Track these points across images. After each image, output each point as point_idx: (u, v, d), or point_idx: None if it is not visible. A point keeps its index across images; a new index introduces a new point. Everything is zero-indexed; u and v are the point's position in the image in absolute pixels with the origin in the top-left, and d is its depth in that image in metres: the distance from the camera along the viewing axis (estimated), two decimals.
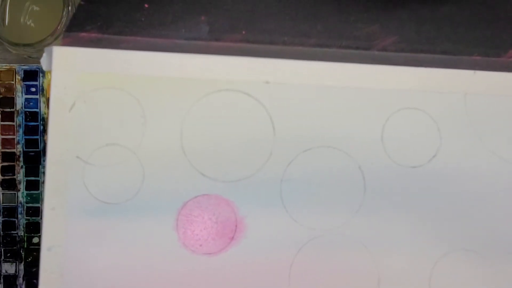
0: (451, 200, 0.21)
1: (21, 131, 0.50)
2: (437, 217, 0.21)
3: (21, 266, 0.50)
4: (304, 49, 0.21)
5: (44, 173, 0.47)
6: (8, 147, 0.50)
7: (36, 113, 0.50)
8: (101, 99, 0.20)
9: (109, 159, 0.20)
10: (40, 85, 0.50)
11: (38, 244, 0.50)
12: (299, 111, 0.20)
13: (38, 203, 0.50)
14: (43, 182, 0.50)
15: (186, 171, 0.20)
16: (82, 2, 0.24)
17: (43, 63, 0.21)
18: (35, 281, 0.50)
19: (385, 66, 0.20)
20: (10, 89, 0.50)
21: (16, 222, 0.50)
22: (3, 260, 0.50)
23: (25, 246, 0.50)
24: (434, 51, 0.22)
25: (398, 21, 0.23)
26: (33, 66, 0.50)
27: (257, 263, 0.20)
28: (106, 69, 0.20)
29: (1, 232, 0.50)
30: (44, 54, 0.21)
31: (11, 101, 0.50)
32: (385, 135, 0.21)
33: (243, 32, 0.22)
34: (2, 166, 0.50)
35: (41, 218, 0.50)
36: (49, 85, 0.51)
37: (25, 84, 0.50)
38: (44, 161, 0.50)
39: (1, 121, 0.50)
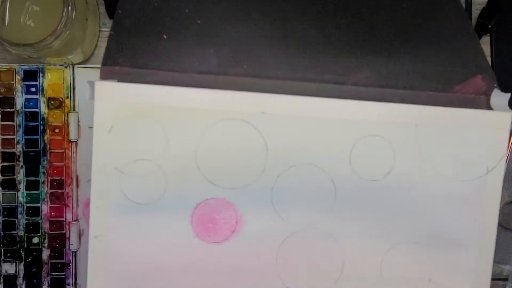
0: (400, 206, 0.27)
1: (21, 131, 0.50)
2: (389, 218, 0.27)
3: (21, 266, 0.50)
4: (293, 83, 0.27)
5: (44, 173, 0.47)
6: (8, 147, 0.50)
7: (36, 113, 0.50)
8: (133, 124, 0.26)
9: (140, 170, 0.27)
10: (40, 85, 0.50)
11: (38, 244, 0.50)
12: (286, 136, 0.26)
13: (38, 203, 0.50)
14: (43, 182, 0.51)
15: (199, 181, 0.26)
16: (112, 33, 0.28)
17: (87, 93, 0.26)
18: (35, 281, 0.50)
19: (355, 101, 0.26)
20: (10, 89, 0.50)
21: (16, 222, 0.50)
22: (3, 260, 0.50)
23: (25, 246, 0.50)
24: (396, 86, 0.27)
25: (371, 56, 0.28)
26: (33, 66, 0.50)
27: (252, 249, 0.27)
28: (136, 100, 0.25)
29: (1, 232, 0.50)
30: (88, 86, 0.26)
31: (11, 101, 0.50)
32: (352, 156, 0.27)
33: (244, 66, 0.27)
34: (2, 166, 0.50)
35: (40, 217, 0.50)
36: (49, 85, 0.51)
37: (25, 84, 0.50)
38: (44, 161, 0.50)
39: (1, 121, 0.50)
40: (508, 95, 0.28)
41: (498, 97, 0.28)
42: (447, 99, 0.27)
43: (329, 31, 0.28)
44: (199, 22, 0.28)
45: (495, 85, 0.29)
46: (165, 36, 0.28)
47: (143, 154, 0.26)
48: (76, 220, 0.50)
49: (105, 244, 0.27)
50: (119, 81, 0.26)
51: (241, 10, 0.28)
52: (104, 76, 0.26)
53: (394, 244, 0.28)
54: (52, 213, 0.50)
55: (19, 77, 0.50)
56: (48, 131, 0.50)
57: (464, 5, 0.52)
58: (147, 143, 0.26)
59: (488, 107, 0.28)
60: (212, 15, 0.28)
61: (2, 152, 0.50)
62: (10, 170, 0.50)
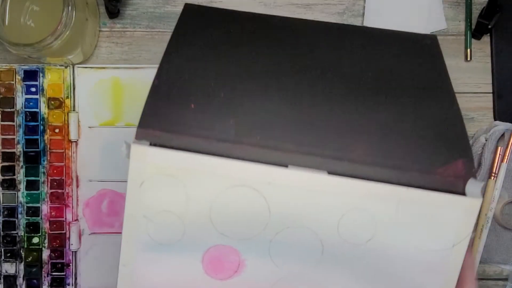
0: (377, 268, 0.33)
1: (21, 131, 0.50)
2: (367, 277, 0.33)
3: (21, 266, 0.50)
4: (298, 156, 0.32)
5: (44, 173, 0.47)
6: (8, 147, 0.50)
7: (36, 113, 0.50)
8: (160, 181, 0.31)
9: (163, 219, 0.32)
10: (40, 85, 0.50)
11: (38, 244, 0.50)
12: (287, 203, 0.32)
13: (38, 203, 0.50)
14: (43, 182, 0.51)
15: (211, 231, 0.32)
16: (148, 99, 0.33)
17: (123, 152, 0.32)
18: (35, 281, 0.50)
19: (347, 179, 0.31)
20: (10, 89, 0.50)
21: (16, 222, 0.50)
22: (3, 260, 0.50)
23: (25, 246, 0.50)
24: (386, 165, 0.32)
25: (368, 136, 0.33)
26: (33, 66, 0.50)
27: (249, 285, 0.33)
28: (164, 162, 0.31)
29: (1, 232, 0.50)
30: (125, 145, 0.31)
31: (11, 101, 0.50)
32: (340, 223, 0.32)
33: (258, 137, 0.32)
34: (2, 166, 0.50)
35: (40, 217, 0.50)
36: (49, 85, 0.51)
37: (25, 84, 0.50)
38: (44, 161, 0.50)
39: (1, 121, 0.50)
40: (482, 183, 0.32)
41: (473, 185, 0.32)
42: (429, 180, 0.32)
43: (334, 112, 0.34)
44: (222, 95, 0.34)
45: (473, 170, 0.33)
46: (192, 106, 0.33)
47: (167, 206, 0.32)
48: (76, 220, 0.50)
49: (131, 272, 0.33)
50: (150, 143, 0.32)
51: (259, 87, 0.35)
52: (138, 137, 0.32)
53: None
54: (52, 213, 0.50)
55: (19, 77, 0.50)
56: (48, 131, 0.50)
57: (464, 6, 0.52)
58: (171, 198, 0.32)
59: (463, 191, 0.32)
60: (234, 89, 0.34)
61: (2, 152, 0.50)
62: (10, 170, 0.50)
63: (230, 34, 0.38)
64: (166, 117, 0.32)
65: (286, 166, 0.32)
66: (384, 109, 0.35)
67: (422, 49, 0.40)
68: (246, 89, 0.35)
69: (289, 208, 0.32)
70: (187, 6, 0.41)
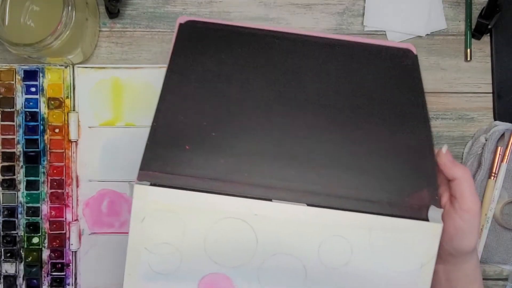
0: (354, 286, 0.36)
1: (21, 131, 0.50)
2: None
3: (21, 266, 0.50)
4: (281, 191, 0.37)
5: (44, 173, 0.47)
6: (8, 147, 0.50)
7: (36, 113, 0.50)
8: (159, 216, 0.35)
9: (162, 250, 0.35)
10: (40, 85, 0.50)
11: (38, 244, 0.50)
12: (272, 232, 0.36)
13: (38, 203, 0.50)
14: (43, 182, 0.51)
15: (205, 260, 0.36)
16: (148, 143, 0.37)
17: (127, 191, 0.36)
18: (35, 281, 0.50)
19: (325, 210, 0.36)
20: (10, 89, 0.50)
21: (16, 222, 0.50)
22: (3, 260, 0.50)
23: (25, 246, 0.50)
24: (360, 197, 0.37)
25: (345, 173, 0.38)
26: (33, 66, 0.50)
27: None
28: (163, 200, 0.35)
29: (1, 232, 0.50)
30: (128, 186, 0.36)
31: (11, 101, 0.50)
32: (320, 249, 0.36)
33: (245, 175, 0.37)
34: (2, 166, 0.50)
35: (40, 217, 0.50)
36: (49, 85, 0.51)
37: (25, 84, 0.50)
38: (44, 161, 0.50)
39: (1, 121, 0.50)
40: (441, 210, 0.36)
41: (434, 212, 0.36)
42: (397, 209, 0.37)
43: (314, 147, 0.39)
44: (213, 134, 0.38)
45: (436, 197, 0.37)
46: (187, 147, 0.38)
47: (166, 239, 0.35)
48: (76, 220, 0.50)
49: None
50: (151, 183, 0.36)
51: (247, 125, 0.39)
52: (140, 178, 0.36)
53: None
54: (52, 213, 0.50)
55: (19, 77, 0.50)
56: (48, 131, 0.50)
57: (464, 6, 0.52)
58: (169, 231, 0.35)
59: (427, 217, 0.37)
60: (224, 128, 0.39)
61: (2, 152, 0.50)
62: (10, 170, 0.50)
63: (222, 65, 0.42)
64: (164, 160, 0.37)
65: (270, 200, 0.36)
66: (360, 141, 0.39)
67: (401, 68, 0.43)
68: (234, 127, 0.39)
69: (274, 237, 0.36)
70: (181, 27, 0.43)
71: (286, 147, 0.39)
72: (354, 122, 0.40)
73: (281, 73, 0.42)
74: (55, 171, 0.50)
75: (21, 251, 0.50)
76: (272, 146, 0.39)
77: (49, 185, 0.50)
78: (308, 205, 0.36)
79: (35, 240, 0.50)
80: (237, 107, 0.40)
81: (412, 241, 0.36)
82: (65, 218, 0.50)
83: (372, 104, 0.41)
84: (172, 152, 0.37)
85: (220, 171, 0.37)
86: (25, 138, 0.50)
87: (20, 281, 0.50)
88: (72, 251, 0.50)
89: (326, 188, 0.37)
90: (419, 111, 0.41)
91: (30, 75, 0.50)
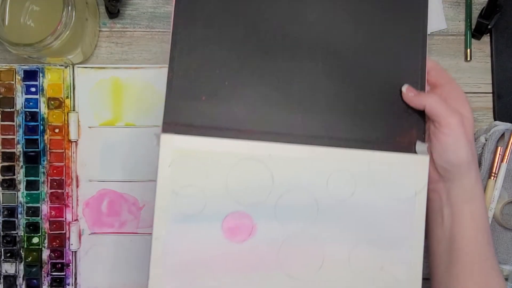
0: (360, 217, 0.41)
1: (21, 131, 0.50)
2: (353, 226, 0.41)
3: (21, 266, 0.50)
4: (290, 135, 0.41)
5: (44, 173, 0.47)
6: (8, 147, 0.50)
7: (36, 113, 0.50)
8: (184, 162, 0.39)
9: (188, 192, 0.39)
10: (40, 85, 0.50)
11: (38, 244, 0.50)
12: (285, 170, 0.40)
13: (38, 203, 0.50)
14: (43, 182, 0.51)
15: (228, 200, 0.40)
16: (167, 97, 0.40)
17: (154, 141, 0.39)
18: (35, 281, 0.50)
19: (331, 148, 0.41)
20: (10, 89, 0.50)
21: (16, 222, 0.50)
22: (3, 260, 0.50)
23: (25, 246, 0.50)
24: (359, 138, 0.42)
25: (346, 116, 0.42)
26: (33, 66, 0.50)
27: (261, 245, 0.40)
28: (186, 147, 0.39)
29: (1, 232, 0.50)
30: (155, 135, 0.39)
31: (11, 101, 0.50)
32: (329, 183, 0.41)
33: (257, 123, 0.41)
34: (2, 166, 0.50)
35: (40, 217, 0.50)
36: (49, 85, 0.51)
37: (25, 84, 0.50)
38: (44, 161, 0.50)
39: (1, 121, 0.50)
40: (426, 144, 0.42)
41: (420, 146, 0.42)
42: (391, 145, 0.42)
43: (316, 98, 0.42)
44: (226, 83, 0.41)
45: (423, 135, 0.42)
46: (203, 98, 0.41)
47: (191, 181, 0.39)
48: (76, 220, 0.50)
49: (162, 244, 0.39)
50: (175, 133, 0.39)
51: (256, 74, 0.42)
52: (164, 130, 0.39)
53: (356, 244, 0.41)
54: (52, 213, 0.50)
55: (19, 77, 0.50)
56: (48, 131, 0.50)
57: (464, 6, 0.52)
58: (193, 174, 0.39)
59: (415, 151, 0.42)
60: (236, 76, 0.41)
61: (2, 152, 0.50)
62: (10, 170, 0.50)
63: (227, 11, 0.42)
64: (184, 111, 0.40)
65: (282, 142, 0.41)
66: (359, 86, 0.43)
67: (407, 5, 0.44)
68: (245, 75, 0.42)
69: (287, 175, 0.40)
70: None
71: (294, 93, 0.42)
72: (354, 67, 0.43)
73: (286, 14, 0.43)
74: (55, 171, 0.50)
75: (21, 251, 0.50)
76: (279, 93, 0.42)
77: (49, 185, 0.50)
78: (316, 145, 0.41)
79: (35, 240, 0.50)
80: (246, 52, 0.42)
81: (405, 172, 0.42)
82: (65, 218, 0.50)
83: (372, 47, 0.44)
84: (190, 103, 0.40)
85: (235, 120, 0.41)
86: (25, 138, 0.50)
87: (20, 281, 0.50)
88: (72, 251, 0.50)
89: (329, 132, 0.42)
90: (416, 55, 0.44)
91: (30, 75, 0.50)
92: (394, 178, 0.41)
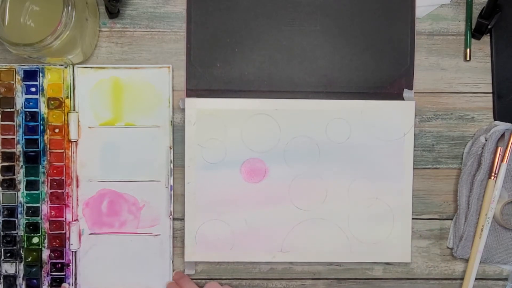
0: (356, 157, 0.50)
1: (21, 131, 0.50)
2: (351, 164, 0.50)
3: (21, 266, 0.50)
4: (293, 91, 0.51)
5: (44, 173, 0.47)
6: (8, 147, 0.50)
7: (36, 113, 0.50)
8: (206, 120, 0.49)
9: (211, 145, 0.50)
10: (40, 85, 0.50)
11: (38, 244, 0.50)
12: (290, 121, 0.50)
13: (38, 203, 0.50)
14: (43, 182, 0.51)
15: (244, 148, 0.50)
16: (187, 66, 0.50)
17: (180, 104, 0.50)
18: (35, 281, 0.50)
19: (328, 100, 0.50)
20: (10, 89, 0.50)
21: (16, 222, 0.50)
22: (3, 260, 0.50)
23: (25, 246, 0.50)
24: (352, 88, 0.51)
25: (337, 71, 0.51)
26: (33, 66, 0.50)
27: (274, 185, 0.50)
28: (207, 107, 0.49)
29: (1, 232, 0.50)
30: (180, 100, 0.50)
31: (11, 101, 0.50)
32: (327, 130, 0.50)
33: (265, 82, 0.50)
34: (2, 166, 0.50)
35: (40, 217, 0.50)
36: (49, 85, 0.51)
37: (25, 84, 0.50)
38: (44, 161, 0.50)
39: (1, 121, 0.50)
40: (413, 91, 0.50)
41: (407, 93, 0.50)
42: (383, 92, 0.51)
43: (316, 56, 0.51)
44: (237, 50, 0.50)
45: (411, 84, 0.51)
46: (218, 65, 0.50)
47: (213, 135, 0.49)
48: (76, 220, 0.50)
49: (194, 186, 0.50)
50: (197, 96, 0.49)
51: (261, 39, 0.50)
52: (188, 94, 0.50)
53: (354, 179, 0.50)
54: (52, 213, 0.50)
55: (19, 77, 0.50)
56: (48, 131, 0.50)
57: (464, 6, 0.52)
58: (214, 130, 0.49)
59: (403, 98, 0.50)
60: (245, 43, 0.50)
61: (2, 152, 0.50)
62: (10, 170, 0.50)
63: None
64: (204, 77, 0.50)
65: (286, 98, 0.50)
66: (353, 43, 0.50)
67: None
68: (252, 41, 0.50)
69: (292, 124, 0.50)
70: None
71: (296, 54, 0.50)
72: (349, 27, 0.50)
73: None
74: (55, 171, 0.50)
75: (21, 251, 0.50)
76: (283, 54, 0.50)
77: (49, 185, 0.50)
78: (314, 98, 0.50)
79: (35, 240, 0.50)
80: (251, 20, 0.50)
81: (394, 116, 0.49)
82: (65, 218, 0.50)
83: (365, 8, 0.50)
84: (208, 70, 0.50)
85: (246, 83, 0.50)
86: (25, 138, 0.50)
87: (20, 281, 0.50)
88: (72, 251, 0.50)
89: (327, 87, 0.50)
90: (405, 15, 0.51)
91: (30, 75, 0.50)
92: (385, 122, 0.49)
